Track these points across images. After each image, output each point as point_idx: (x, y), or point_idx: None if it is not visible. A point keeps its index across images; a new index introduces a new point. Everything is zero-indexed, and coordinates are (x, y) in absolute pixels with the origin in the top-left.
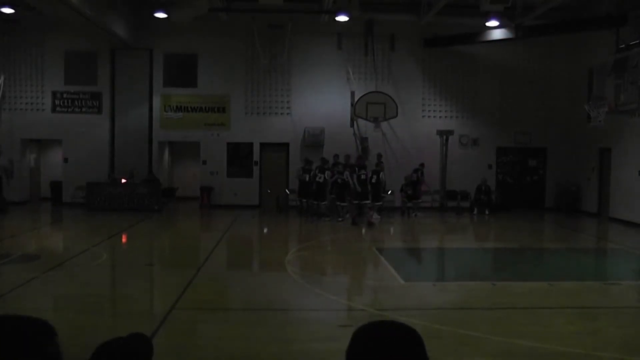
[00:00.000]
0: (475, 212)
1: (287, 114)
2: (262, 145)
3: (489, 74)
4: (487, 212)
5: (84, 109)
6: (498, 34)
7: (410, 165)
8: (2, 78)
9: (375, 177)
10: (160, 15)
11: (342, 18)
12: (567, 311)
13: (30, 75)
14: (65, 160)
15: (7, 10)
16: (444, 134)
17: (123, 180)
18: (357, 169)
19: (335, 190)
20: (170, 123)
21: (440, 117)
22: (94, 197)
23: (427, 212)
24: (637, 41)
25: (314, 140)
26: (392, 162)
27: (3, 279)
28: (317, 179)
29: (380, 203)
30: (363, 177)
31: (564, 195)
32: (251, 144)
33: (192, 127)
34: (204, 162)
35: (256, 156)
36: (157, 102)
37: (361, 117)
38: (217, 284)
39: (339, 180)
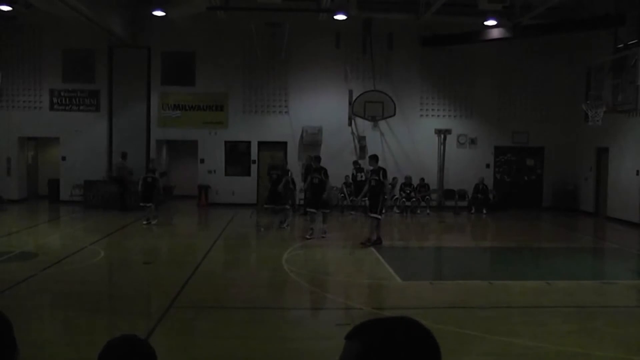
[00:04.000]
0: (473, 211)
1: (285, 112)
2: (260, 144)
3: (487, 73)
4: (484, 212)
5: (81, 107)
6: (496, 33)
7: (408, 164)
8: (0, 76)
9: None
10: (158, 13)
11: (340, 17)
12: (564, 310)
13: (28, 73)
14: (63, 158)
15: (5, 8)
16: (442, 133)
17: None
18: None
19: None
20: (168, 121)
21: (438, 116)
22: (91, 195)
23: (424, 211)
24: (635, 41)
25: (311, 139)
26: (389, 161)
27: (1, 276)
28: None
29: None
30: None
31: (562, 194)
32: (249, 143)
33: (190, 125)
34: (202, 161)
35: (254, 155)
36: (155, 100)
37: (359, 116)
38: (214, 282)
39: (315, 180)
